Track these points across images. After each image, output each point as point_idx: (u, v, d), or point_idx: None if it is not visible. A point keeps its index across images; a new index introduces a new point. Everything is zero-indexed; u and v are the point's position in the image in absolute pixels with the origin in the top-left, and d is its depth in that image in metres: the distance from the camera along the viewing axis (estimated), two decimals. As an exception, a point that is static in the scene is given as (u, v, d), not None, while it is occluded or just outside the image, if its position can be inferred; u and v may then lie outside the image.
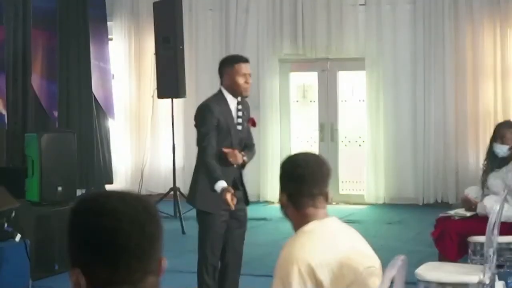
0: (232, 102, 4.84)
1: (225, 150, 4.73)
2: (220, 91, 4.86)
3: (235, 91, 4.80)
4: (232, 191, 4.66)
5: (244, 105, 4.92)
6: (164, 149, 10.61)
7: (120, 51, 11.04)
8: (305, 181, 2.77)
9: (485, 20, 9.69)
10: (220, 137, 4.76)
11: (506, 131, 5.72)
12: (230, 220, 4.87)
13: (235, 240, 4.95)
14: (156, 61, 9.64)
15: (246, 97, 4.88)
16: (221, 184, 4.63)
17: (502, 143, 5.70)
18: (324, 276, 2.62)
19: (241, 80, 4.77)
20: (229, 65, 4.82)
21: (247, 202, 5.05)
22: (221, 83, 4.87)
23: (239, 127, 4.87)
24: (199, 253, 4.93)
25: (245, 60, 4.86)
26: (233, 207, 4.63)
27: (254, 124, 5.07)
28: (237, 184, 4.93)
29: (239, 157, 4.75)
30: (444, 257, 5.63)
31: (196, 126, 4.86)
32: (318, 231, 2.74)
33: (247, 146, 4.98)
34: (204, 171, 4.78)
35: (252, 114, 11.36)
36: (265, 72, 10.50)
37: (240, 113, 4.87)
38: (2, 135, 8.91)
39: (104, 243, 1.56)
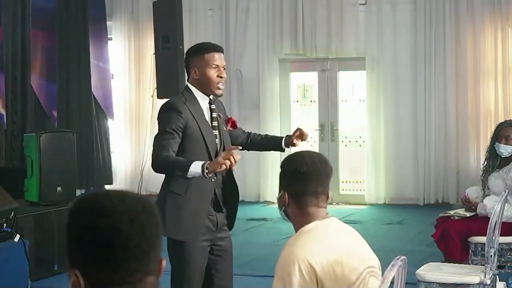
0: (203, 101, 3.87)
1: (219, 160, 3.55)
2: (187, 89, 3.89)
3: (206, 88, 3.83)
4: (232, 152, 3.54)
5: (217, 106, 3.96)
6: (164, 149, 10.58)
7: (119, 51, 11.03)
8: (310, 179, 2.75)
9: (486, 19, 9.69)
10: (191, 144, 3.77)
11: (509, 130, 5.68)
12: (211, 254, 3.86)
13: (222, 277, 3.90)
14: (155, 61, 9.63)
15: (219, 96, 3.91)
16: (197, 163, 3.56)
17: (507, 143, 5.66)
18: (325, 276, 2.61)
19: (212, 73, 3.79)
20: (198, 55, 3.83)
21: (230, 225, 3.97)
22: (188, 79, 3.91)
23: (215, 132, 3.87)
24: None
25: (218, 49, 3.88)
26: (234, 163, 3.53)
27: (234, 126, 4.13)
28: (220, 203, 3.87)
29: (233, 156, 3.54)
30: (449, 258, 5.61)
31: (158, 127, 3.82)
32: (319, 231, 2.73)
33: (243, 137, 4.14)
34: (165, 171, 3.75)
35: (252, 114, 11.26)
36: (265, 72, 10.49)
37: (214, 115, 3.89)
38: (1, 135, 8.91)
39: (103, 244, 1.54)
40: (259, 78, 10.46)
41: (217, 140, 3.87)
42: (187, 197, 3.72)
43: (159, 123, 3.80)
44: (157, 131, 3.79)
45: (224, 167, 3.51)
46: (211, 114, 3.88)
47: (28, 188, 6.66)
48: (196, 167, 3.54)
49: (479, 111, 9.72)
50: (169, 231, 3.64)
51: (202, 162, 3.56)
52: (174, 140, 3.69)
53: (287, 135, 4.06)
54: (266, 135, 4.24)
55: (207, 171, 3.53)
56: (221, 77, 3.82)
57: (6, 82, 8.93)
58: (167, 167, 3.69)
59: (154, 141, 3.77)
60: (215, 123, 3.88)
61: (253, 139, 4.17)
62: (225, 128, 3.97)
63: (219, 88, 3.83)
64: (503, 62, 9.64)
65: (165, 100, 9.24)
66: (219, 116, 3.93)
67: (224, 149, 3.84)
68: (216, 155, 3.79)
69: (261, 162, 10.19)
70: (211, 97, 3.89)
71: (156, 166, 3.70)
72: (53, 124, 9.62)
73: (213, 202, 3.82)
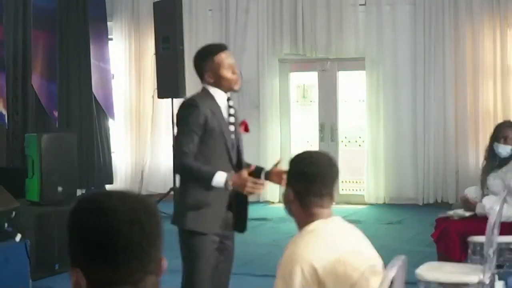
0: (221, 98, 3.93)
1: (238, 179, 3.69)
2: (203, 89, 3.96)
3: (224, 87, 3.91)
4: (245, 172, 3.70)
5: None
6: (164, 149, 10.61)
7: (120, 51, 11.04)
8: (315, 180, 2.76)
9: (485, 20, 9.69)
10: (211, 138, 3.83)
11: (509, 131, 5.69)
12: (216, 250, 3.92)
13: (220, 276, 3.95)
14: (156, 61, 9.64)
15: (237, 91, 3.99)
16: (220, 175, 3.67)
17: (505, 143, 5.67)
18: (327, 277, 2.61)
19: (227, 73, 3.89)
20: (207, 59, 3.92)
21: (242, 227, 4.03)
22: (203, 81, 3.98)
23: (232, 128, 3.94)
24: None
25: (224, 48, 3.97)
26: (261, 190, 3.74)
27: (246, 129, 4.18)
28: (230, 200, 3.92)
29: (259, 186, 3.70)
30: (446, 258, 5.62)
31: (177, 125, 3.88)
32: (322, 231, 2.74)
33: (241, 161, 4.03)
34: (189, 179, 3.82)
35: (252, 114, 11.25)
36: (265, 72, 10.50)
37: (232, 111, 3.96)
38: (2, 135, 8.92)
39: (104, 243, 1.56)
40: (259, 78, 10.47)
41: (233, 136, 3.92)
42: (208, 190, 3.75)
43: (177, 121, 3.86)
44: (176, 130, 3.87)
45: (246, 191, 3.68)
46: (228, 110, 3.94)
47: (29, 188, 6.68)
48: (218, 182, 3.66)
49: (478, 111, 9.73)
50: (190, 223, 3.78)
51: (225, 178, 3.65)
52: (193, 143, 3.76)
53: (266, 171, 4.01)
54: (246, 163, 4.09)
55: (230, 187, 3.67)
56: (235, 73, 3.92)
57: (7, 82, 8.95)
58: (191, 178, 3.78)
59: (175, 143, 3.88)
60: (231, 119, 3.93)
61: None
62: (237, 129, 4.02)
63: (237, 83, 3.93)
64: (502, 62, 9.65)
65: (164, 100, 9.19)
66: (235, 113, 3.99)
67: (238, 146, 3.96)
68: (230, 149, 3.88)
69: (261, 163, 10.15)
70: (228, 94, 3.96)
71: (179, 173, 3.88)
72: (54, 124, 9.63)
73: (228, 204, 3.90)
